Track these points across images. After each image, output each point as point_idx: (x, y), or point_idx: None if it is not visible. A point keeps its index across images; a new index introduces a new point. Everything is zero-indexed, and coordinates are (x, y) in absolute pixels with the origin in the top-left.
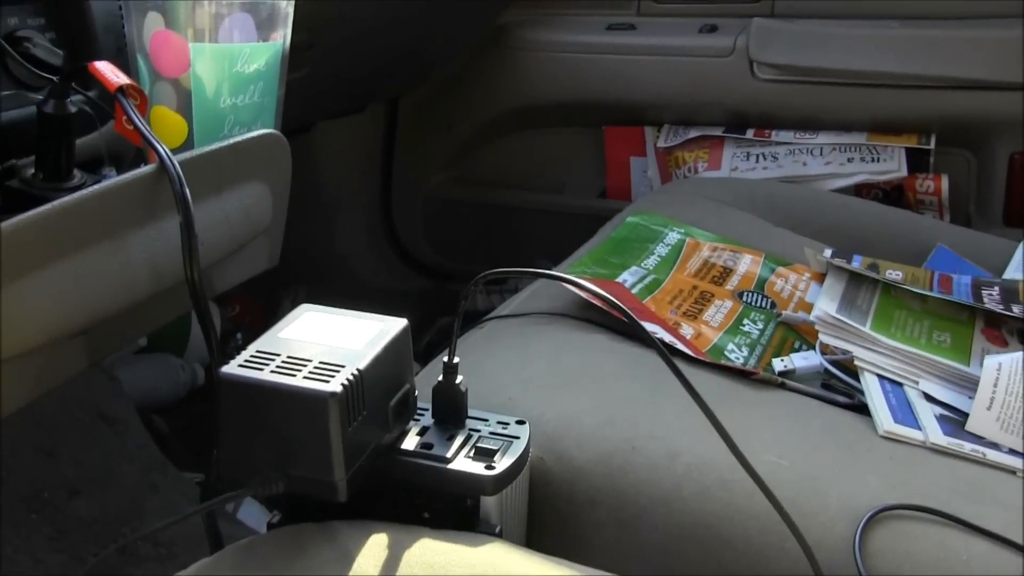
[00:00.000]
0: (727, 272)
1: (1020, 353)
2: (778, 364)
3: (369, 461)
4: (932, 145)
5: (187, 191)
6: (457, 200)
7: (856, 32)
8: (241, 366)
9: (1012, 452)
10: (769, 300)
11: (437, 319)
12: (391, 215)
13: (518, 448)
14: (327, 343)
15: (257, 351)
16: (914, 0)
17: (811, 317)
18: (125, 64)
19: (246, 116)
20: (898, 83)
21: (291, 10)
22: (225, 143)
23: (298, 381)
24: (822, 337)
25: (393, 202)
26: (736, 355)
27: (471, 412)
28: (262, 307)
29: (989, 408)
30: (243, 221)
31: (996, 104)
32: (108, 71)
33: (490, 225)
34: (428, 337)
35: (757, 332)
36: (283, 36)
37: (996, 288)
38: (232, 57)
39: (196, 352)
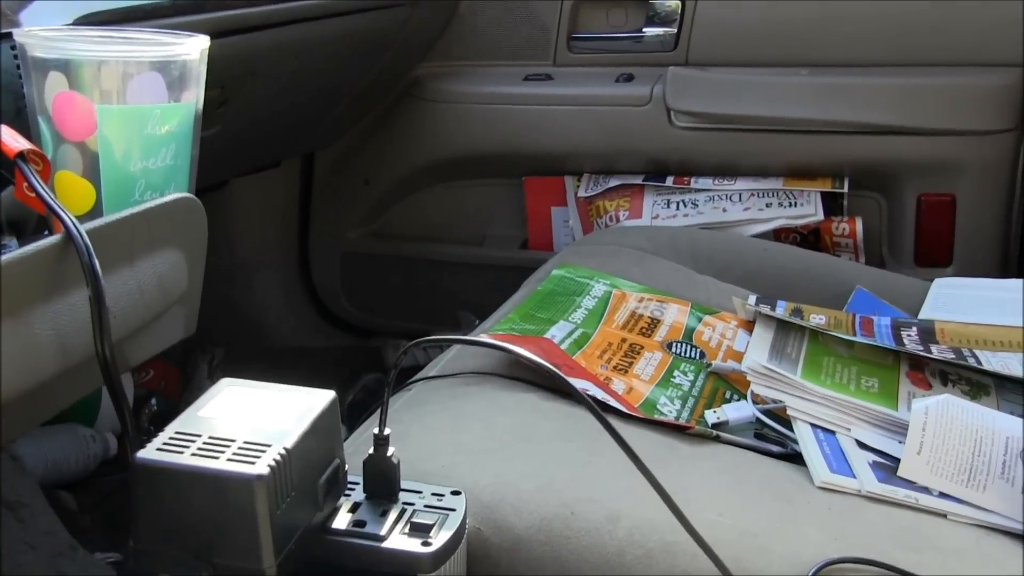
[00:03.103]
0: (655, 323)
1: (945, 396)
2: (711, 416)
3: (299, 544)
4: (845, 188)
5: (96, 262)
6: (376, 255)
7: (769, 80)
8: (159, 449)
9: (943, 495)
10: (698, 350)
11: (361, 376)
12: (309, 272)
13: (455, 521)
14: (251, 421)
15: (176, 432)
16: (822, 49)
17: (742, 367)
18: (25, 126)
19: (158, 179)
20: (811, 128)
21: (204, 69)
22: (137, 209)
23: (221, 464)
24: (754, 387)
25: (311, 258)
26: (669, 408)
27: (404, 484)
28: (177, 371)
29: (919, 453)
30: (157, 290)
31: (903, 148)
32: (7, 135)
33: (411, 279)
34: (352, 396)
35: (688, 384)
36: (196, 96)
37: (914, 328)
38: (142, 119)
39: (108, 420)
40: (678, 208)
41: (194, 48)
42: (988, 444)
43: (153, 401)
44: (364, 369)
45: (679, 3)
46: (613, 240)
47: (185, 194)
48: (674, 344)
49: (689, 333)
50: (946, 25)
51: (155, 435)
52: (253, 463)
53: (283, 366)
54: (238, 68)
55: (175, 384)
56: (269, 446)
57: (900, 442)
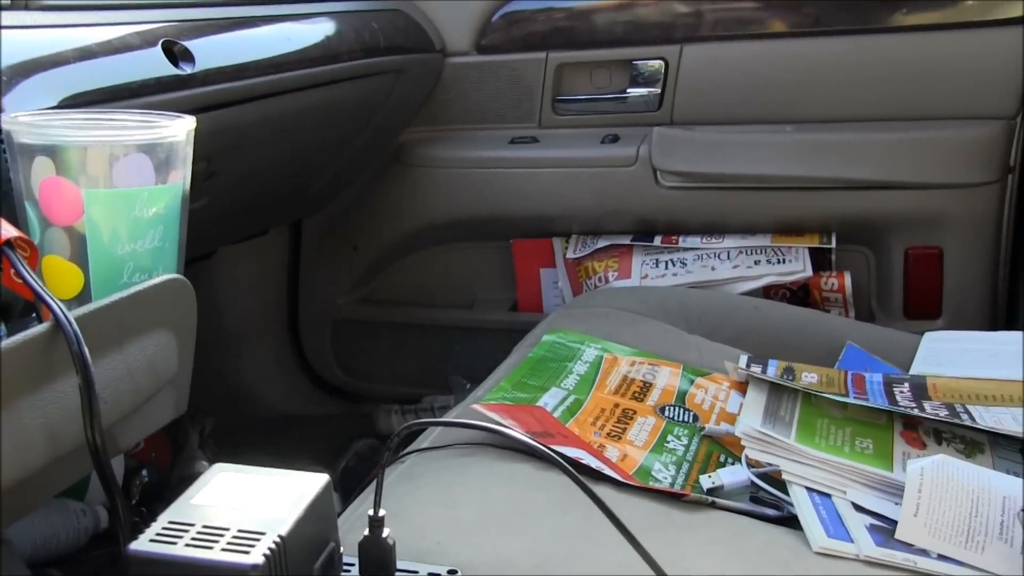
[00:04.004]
0: (647, 387)
1: (940, 456)
2: (706, 481)
3: None
4: (833, 244)
5: (85, 350)
6: (366, 320)
7: (754, 138)
8: (152, 540)
9: (941, 558)
10: (691, 413)
11: (353, 443)
12: (299, 339)
13: None
14: (245, 508)
15: (169, 522)
16: (806, 105)
17: (736, 432)
18: (11, 209)
19: (146, 261)
20: (797, 185)
21: (190, 150)
22: (126, 293)
23: (215, 554)
24: (748, 452)
25: (301, 325)
26: (663, 474)
27: (400, 564)
28: (167, 441)
29: (916, 515)
30: (148, 373)
31: (889, 203)
32: None
33: (402, 344)
34: (344, 462)
35: (682, 448)
36: (183, 177)
37: (906, 384)
38: (129, 201)
39: (98, 493)
40: (667, 267)
41: (180, 130)
42: (985, 504)
43: (144, 473)
44: (356, 435)
45: (662, 63)
46: (603, 302)
47: (174, 275)
48: (667, 408)
49: (682, 396)
50: (928, 80)
51: (145, 515)
52: (248, 552)
53: (274, 434)
54: (224, 141)
55: (166, 455)
56: (263, 534)
57: (897, 504)
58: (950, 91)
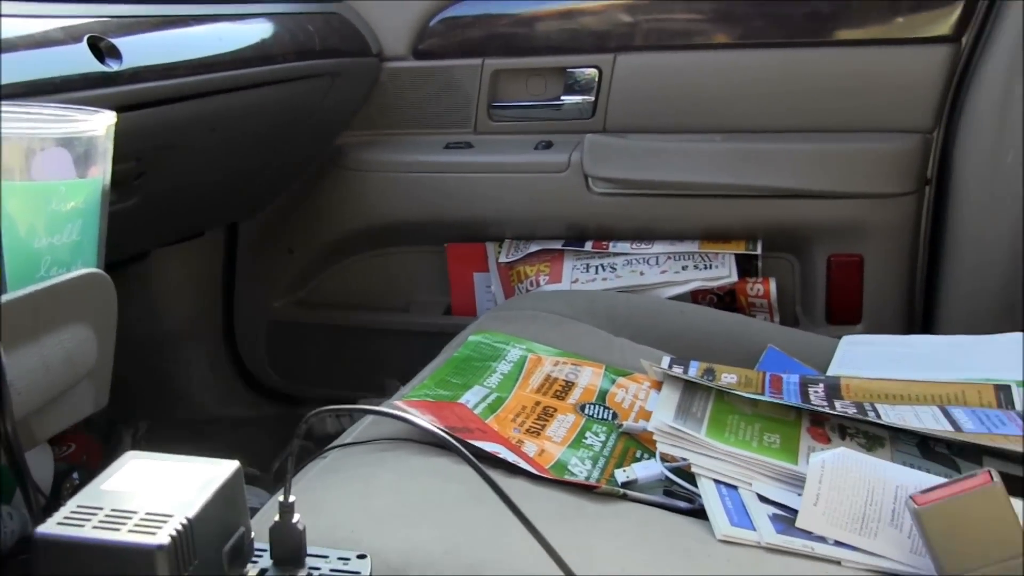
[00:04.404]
0: (569, 386)
1: (841, 449)
2: (620, 475)
3: None
4: (759, 251)
5: None
6: (302, 323)
7: (684, 146)
8: (60, 524)
9: (838, 543)
10: (611, 411)
11: (287, 445)
12: (235, 341)
13: None
14: (154, 492)
15: (78, 506)
16: (735, 116)
17: (649, 427)
18: None
19: (64, 256)
20: (725, 193)
21: (110, 145)
22: (42, 285)
23: (122, 536)
24: (660, 447)
25: (236, 328)
26: (579, 469)
27: (311, 549)
28: (99, 444)
29: (816, 504)
30: (64, 366)
31: (813, 211)
32: None
33: (337, 347)
34: (278, 464)
35: (599, 444)
36: (103, 172)
37: (821, 385)
38: (46, 195)
39: None
40: (597, 272)
41: (99, 124)
42: (879, 493)
43: (75, 475)
44: (291, 437)
45: (597, 72)
46: (532, 305)
47: (93, 269)
48: (587, 406)
49: (602, 395)
50: (851, 94)
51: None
52: (154, 533)
53: (209, 437)
54: (153, 140)
55: (97, 458)
56: (171, 516)
57: (799, 494)
58: (872, 105)
